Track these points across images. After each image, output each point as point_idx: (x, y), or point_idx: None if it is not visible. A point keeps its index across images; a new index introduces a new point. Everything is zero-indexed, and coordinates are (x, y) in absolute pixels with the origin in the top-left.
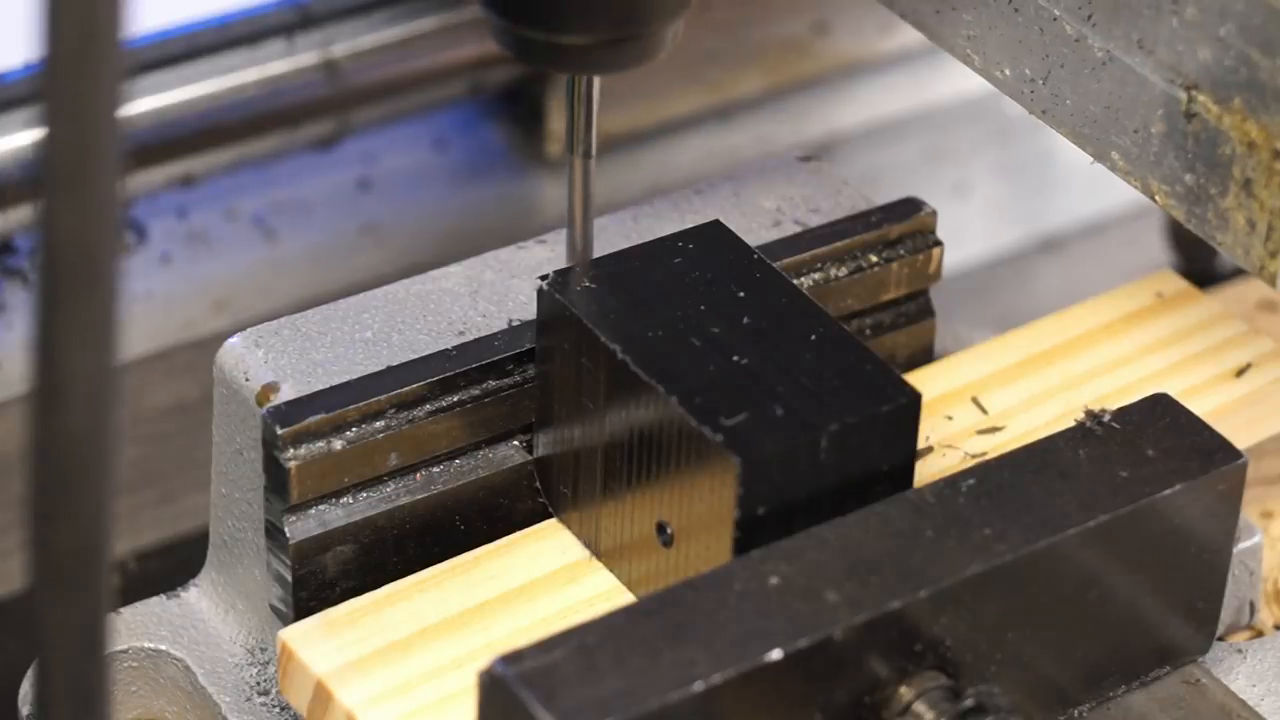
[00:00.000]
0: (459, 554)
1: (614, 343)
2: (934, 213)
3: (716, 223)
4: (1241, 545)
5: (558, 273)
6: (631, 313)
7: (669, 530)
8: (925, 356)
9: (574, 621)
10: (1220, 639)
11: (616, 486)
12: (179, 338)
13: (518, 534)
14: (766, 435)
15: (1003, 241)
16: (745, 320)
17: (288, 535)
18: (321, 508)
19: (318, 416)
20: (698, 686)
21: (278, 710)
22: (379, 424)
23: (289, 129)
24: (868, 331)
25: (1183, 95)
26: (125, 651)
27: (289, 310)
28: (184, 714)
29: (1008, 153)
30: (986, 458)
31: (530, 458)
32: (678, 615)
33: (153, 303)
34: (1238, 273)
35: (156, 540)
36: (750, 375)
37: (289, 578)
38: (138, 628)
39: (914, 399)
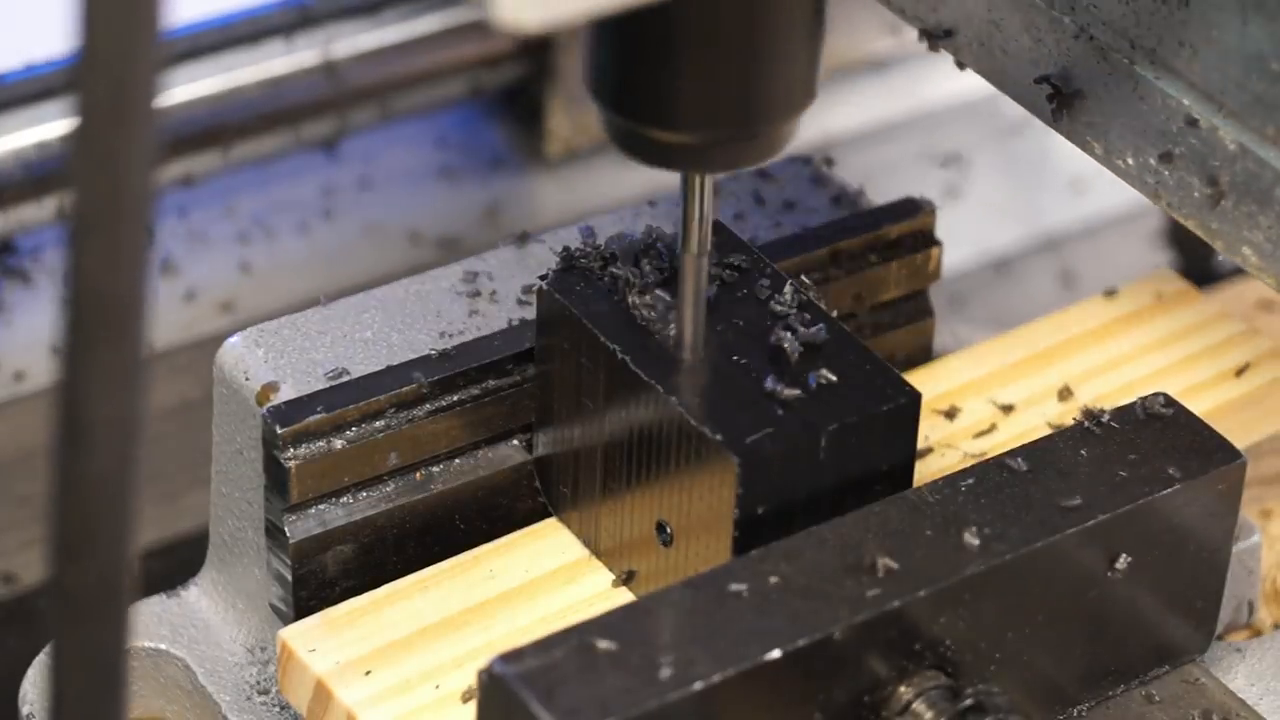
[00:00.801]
0: (459, 554)
1: (614, 343)
2: (933, 212)
3: (716, 222)
4: (1240, 544)
5: (557, 272)
6: (631, 312)
7: (669, 530)
8: (924, 356)
9: (574, 621)
10: (1219, 638)
11: (616, 486)
12: (179, 337)
13: (517, 533)
14: (766, 435)
15: (1001, 241)
16: (745, 319)
17: (288, 534)
18: (321, 507)
19: (318, 416)
20: (698, 686)
21: (278, 709)
22: (379, 423)
23: (289, 129)
24: (867, 331)
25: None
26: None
27: (289, 310)
28: (184, 713)
29: (1006, 153)
30: (986, 458)
31: (530, 457)
32: (678, 615)
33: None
34: (1237, 272)
35: (156, 539)
36: (750, 375)
37: (289, 577)
38: (138, 627)
39: (914, 399)
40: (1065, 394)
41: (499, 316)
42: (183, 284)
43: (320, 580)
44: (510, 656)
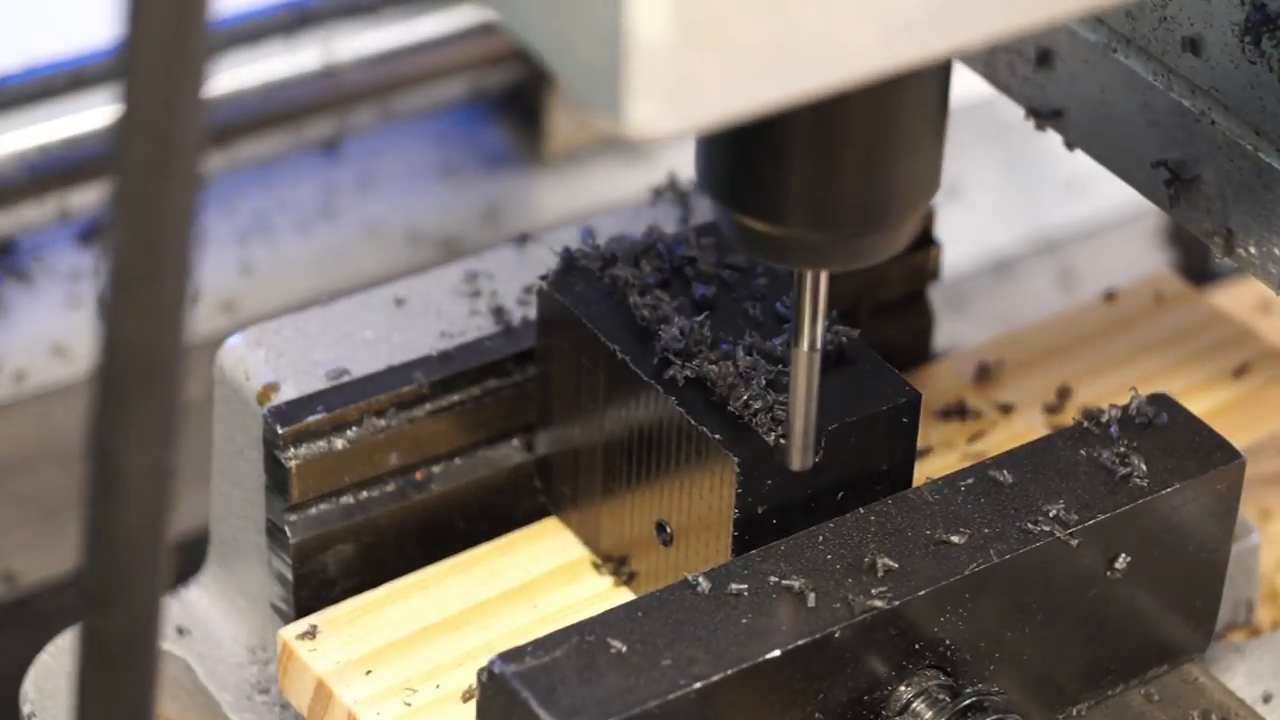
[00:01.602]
0: (459, 553)
1: (614, 343)
2: (932, 213)
3: (717, 222)
4: (1240, 544)
5: (557, 272)
6: (631, 312)
7: (669, 530)
8: (924, 356)
9: (574, 621)
10: (1218, 638)
11: (616, 486)
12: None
13: (518, 533)
14: (766, 435)
15: (1001, 241)
16: (746, 320)
17: (288, 534)
18: (322, 507)
19: (318, 416)
20: (698, 686)
21: (278, 709)
22: (379, 423)
23: (289, 129)
24: (867, 331)
25: None
26: None
27: (289, 310)
28: (185, 712)
29: (1006, 153)
30: (986, 458)
31: (530, 457)
32: (678, 614)
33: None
34: (1236, 273)
35: None
36: (750, 374)
37: (290, 576)
38: None
39: (914, 399)
40: (1065, 394)
41: (499, 316)
42: None
43: (321, 580)
44: (510, 656)
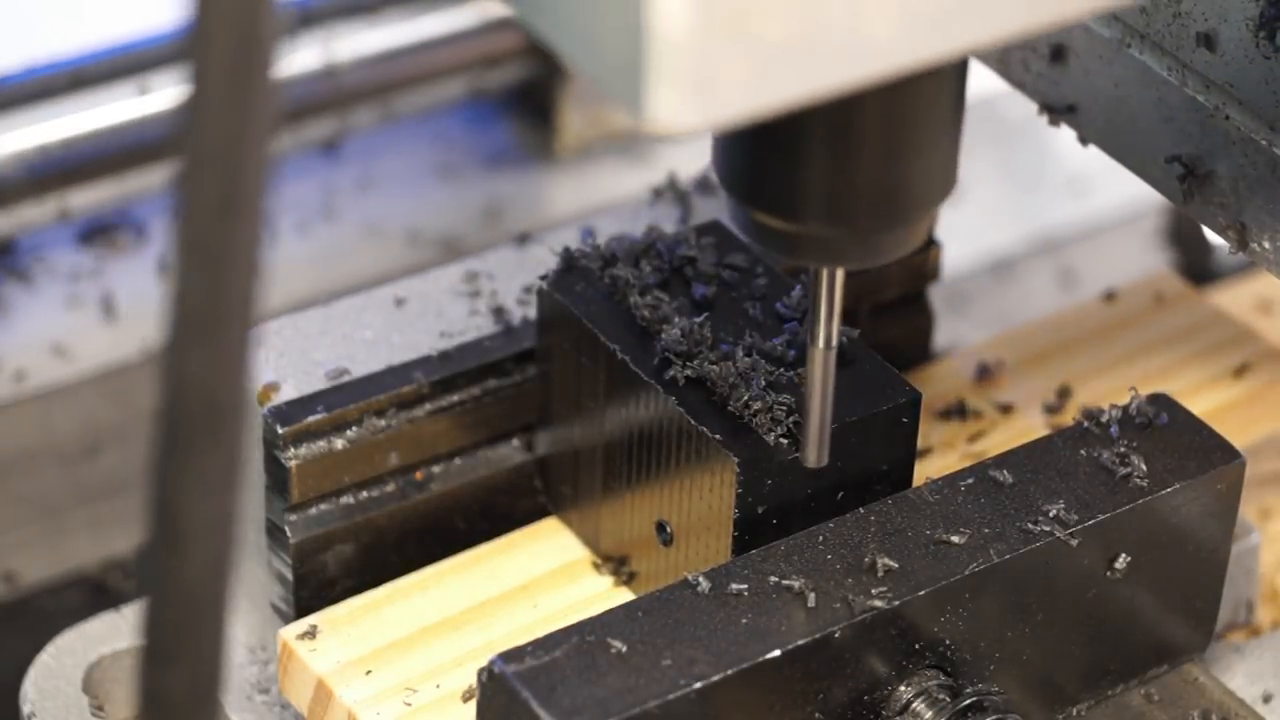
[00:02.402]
0: (459, 553)
1: (614, 343)
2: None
3: (717, 222)
4: (1240, 544)
5: (557, 272)
6: (631, 312)
7: (669, 529)
8: (923, 356)
9: (574, 621)
10: (1218, 638)
11: (616, 486)
12: None
13: (518, 533)
14: (766, 435)
15: (1001, 241)
16: (745, 320)
17: (288, 534)
18: (322, 507)
19: (318, 416)
20: (698, 686)
21: (278, 709)
22: (379, 423)
23: (289, 129)
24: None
25: None
26: (126, 651)
27: (289, 310)
28: None
29: (1005, 153)
30: (986, 458)
31: (530, 457)
32: (678, 614)
33: (153, 302)
34: (1236, 273)
35: None
36: (750, 374)
37: (289, 576)
38: (137, 626)
39: (914, 399)
40: (1065, 394)
41: (499, 316)
42: None
43: (320, 580)
44: (510, 655)
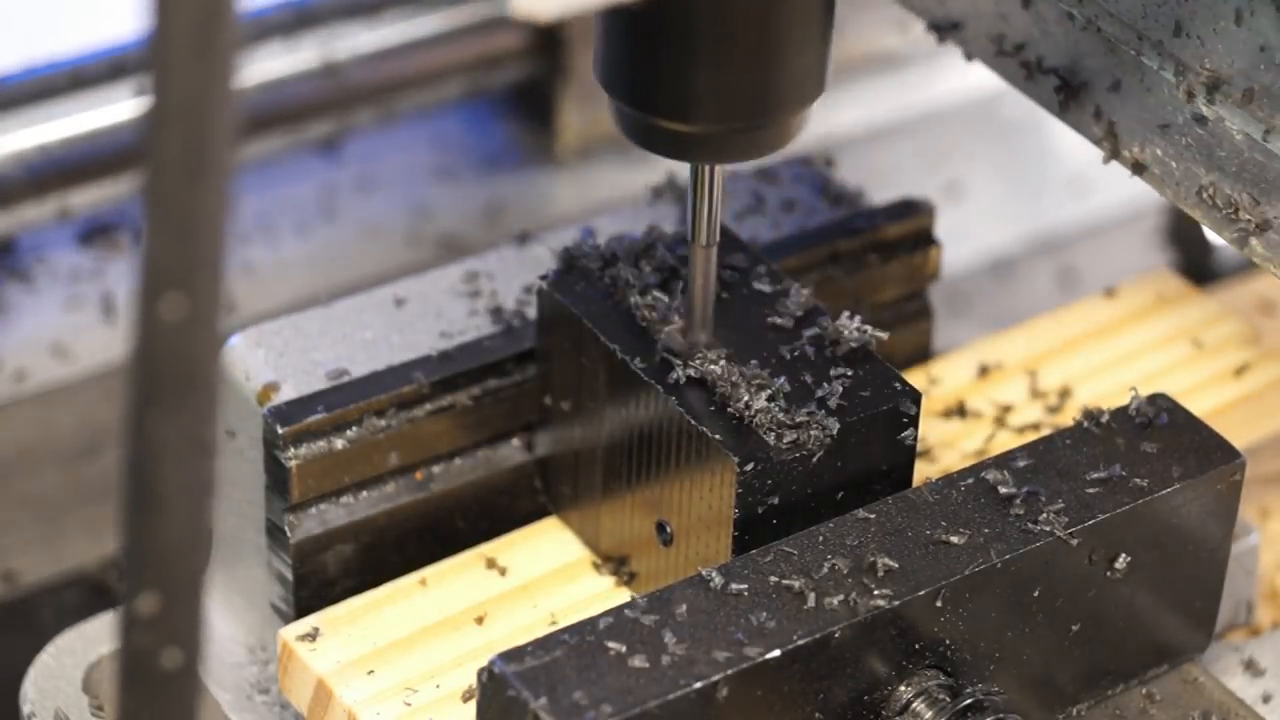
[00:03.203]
0: (459, 553)
1: (614, 343)
2: (932, 213)
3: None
4: (1239, 544)
5: (557, 272)
6: (631, 312)
7: (669, 530)
8: (923, 356)
9: (574, 621)
10: (1218, 638)
11: (616, 486)
12: None
13: (517, 533)
14: (766, 435)
15: (1001, 241)
16: (746, 319)
17: (288, 534)
18: (322, 507)
19: (318, 416)
20: (698, 686)
21: (278, 709)
22: (379, 423)
23: (289, 129)
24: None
25: None
26: None
27: (289, 310)
28: None
29: (1005, 153)
30: (986, 458)
31: (530, 457)
32: (677, 615)
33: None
34: (1236, 273)
35: None
36: (750, 374)
37: (290, 576)
38: None
39: (914, 399)
40: (1065, 394)
41: (499, 316)
42: None
43: (321, 580)
44: (510, 655)
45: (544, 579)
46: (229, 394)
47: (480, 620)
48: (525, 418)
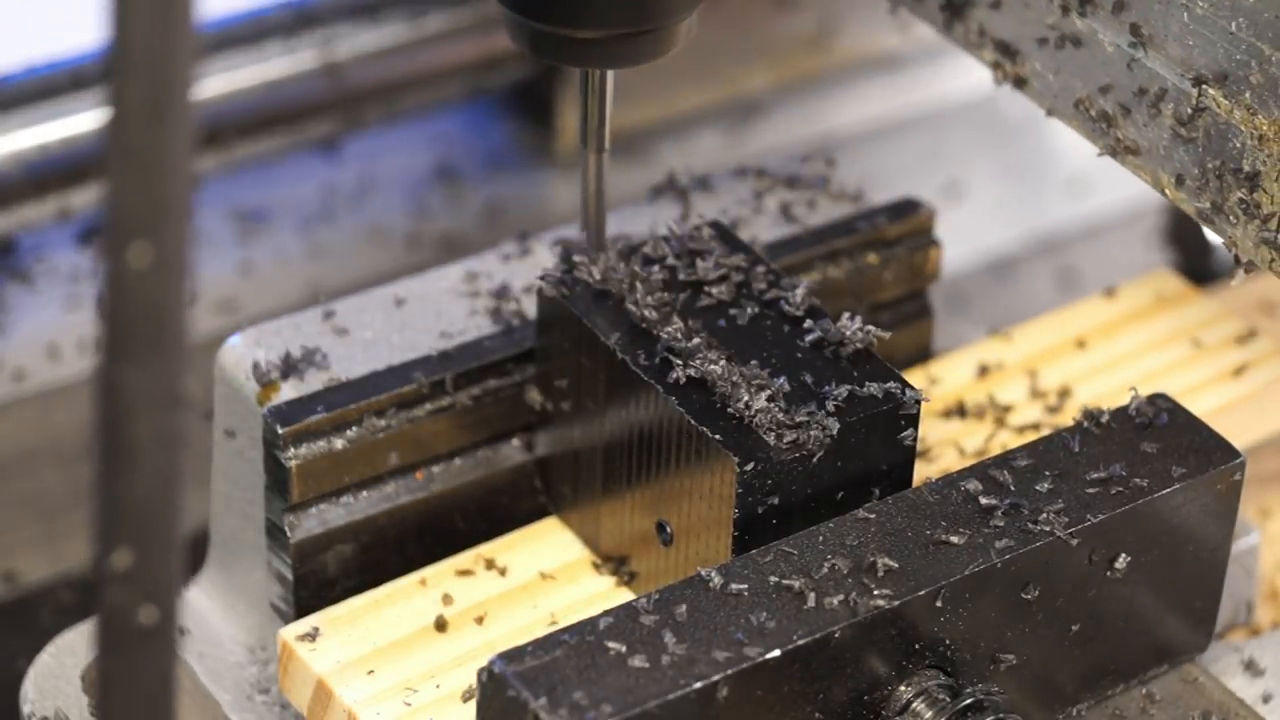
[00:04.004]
0: (459, 553)
1: (614, 343)
2: (932, 212)
3: (717, 222)
4: (1239, 544)
5: (557, 272)
6: (631, 312)
7: (669, 530)
8: (923, 356)
9: (574, 621)
10: (1218, 638)
11: (616, 486)
12: None
13: (517, 533)
14: (766, 435)
15: (1001, 241)
16: (746, 319)
17: (288, 534)
18: (322, 507)
19: (318, 416)
20: (698, 686)
21: (278, 709)
22: (379, 423)
23: (289, 129)
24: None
25: (1192, 90)
26: None
27: (289, 310)
28: (184, 712)
29: (1005, 153)
30: (986, 457)
31: (530, 457)
32: (678, 615)
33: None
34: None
35: None
36: (750, 374)
37: (289, 576)
38: None
39: (914, 399)
40: (1065, 394)
41: (499, 316)
42: None
43: (321, 580)
44: (510, 655)
45: (544, 579)
46: (229, 394)
47: (480, 620)
48: (525, 418)
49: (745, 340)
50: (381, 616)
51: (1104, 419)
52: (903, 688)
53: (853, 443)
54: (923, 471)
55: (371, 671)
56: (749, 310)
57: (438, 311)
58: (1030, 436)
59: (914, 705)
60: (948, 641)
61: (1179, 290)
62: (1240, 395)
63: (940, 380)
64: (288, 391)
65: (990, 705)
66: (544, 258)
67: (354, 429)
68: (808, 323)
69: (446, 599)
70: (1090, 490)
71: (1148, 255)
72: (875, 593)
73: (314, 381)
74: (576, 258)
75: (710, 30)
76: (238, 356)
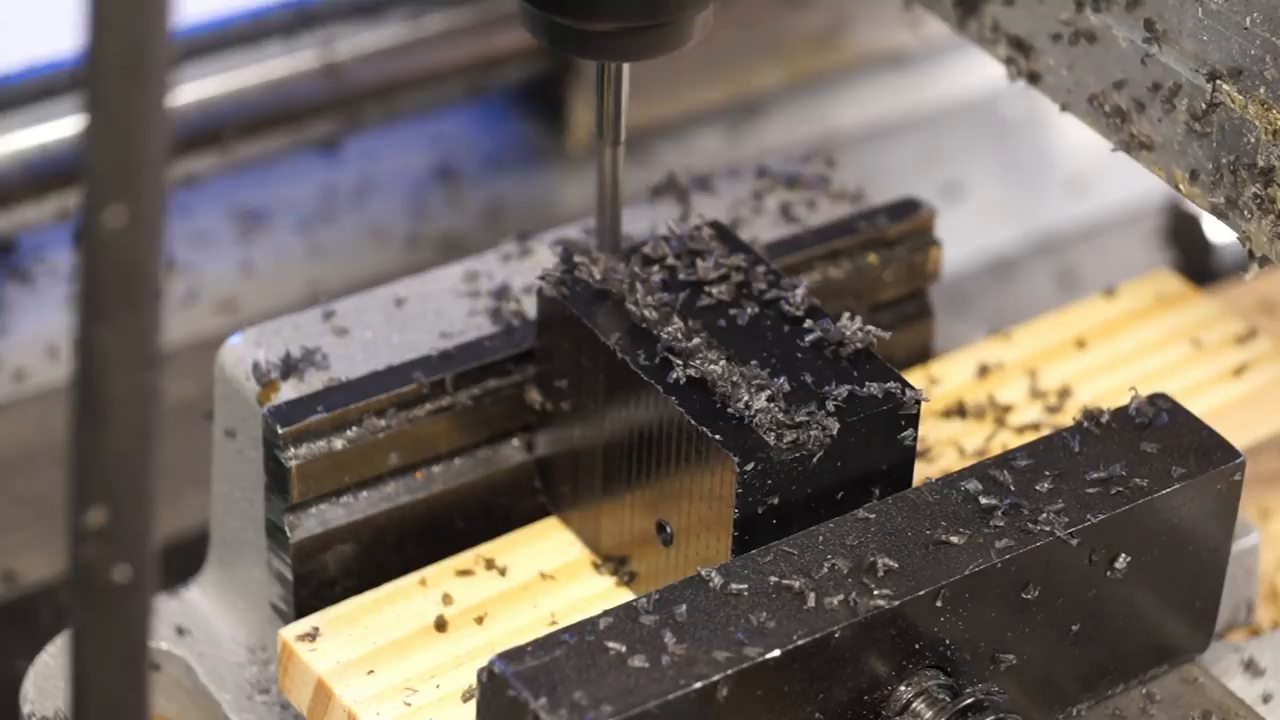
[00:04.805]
0: (459, 553)
1: (614, 343)
2: (933, 212)
3: (717, 222)
4: (1239, 544)
5: (557, 272)
6: (631, 312)
7: (669, 530)
8: (923, 356)
9: (574, 621)
10: (1218, 638)
11: (616, 486)
12: (180, 337)
13: (517, 533)
14: (766, 435)
15: (1001, 241)
16: (746, 319)
17: (288, 534)
18: (322, 507)
19: (318, 416)
20: (698, 686)
21: (278, 709)
22: (379, 423)
23: (289, 129)
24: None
25: (1207, 85)
26: None
27: (289, 310)
28: (185, 712)
29: (1005, 153)
30: (986, 457)
31: (530, 457)
32: (677, 614)
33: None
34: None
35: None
36: (750, 374)
37: (290, 576)
38: None
39: (914, 399)
40: (1065, 394)
41: (499, 316)
42: (183, 284)
43: (321, 579)
44: (510, 656)
45: (544, 579)
46: (229, 394)
47: (480, 620)
48: (525, 418)
49: (745, 340)
50: (381, 616)
51: (1104, 419)
52: (903, 688)
53: (853, 443)
54: (923, 471)
55: (371, 671)
56: (749, 310)
57: (438, 311)
58: (1030, 436)
59: (914, 705)
60: (948, 641)
61: (1179, 290)
62: (1240, 395)
63: (940, 380)
64: (288, 391)
65: (990, 705)
66: (544, 258)
67: (354, 429)
68: (808, 323)
69: (446, 599)
70: (1090, 490)
71: (1148, 255)
72: (875, 593)
73: (314, 381)
74: (576, 258)
75: (721, 27)
76: (238, 356)
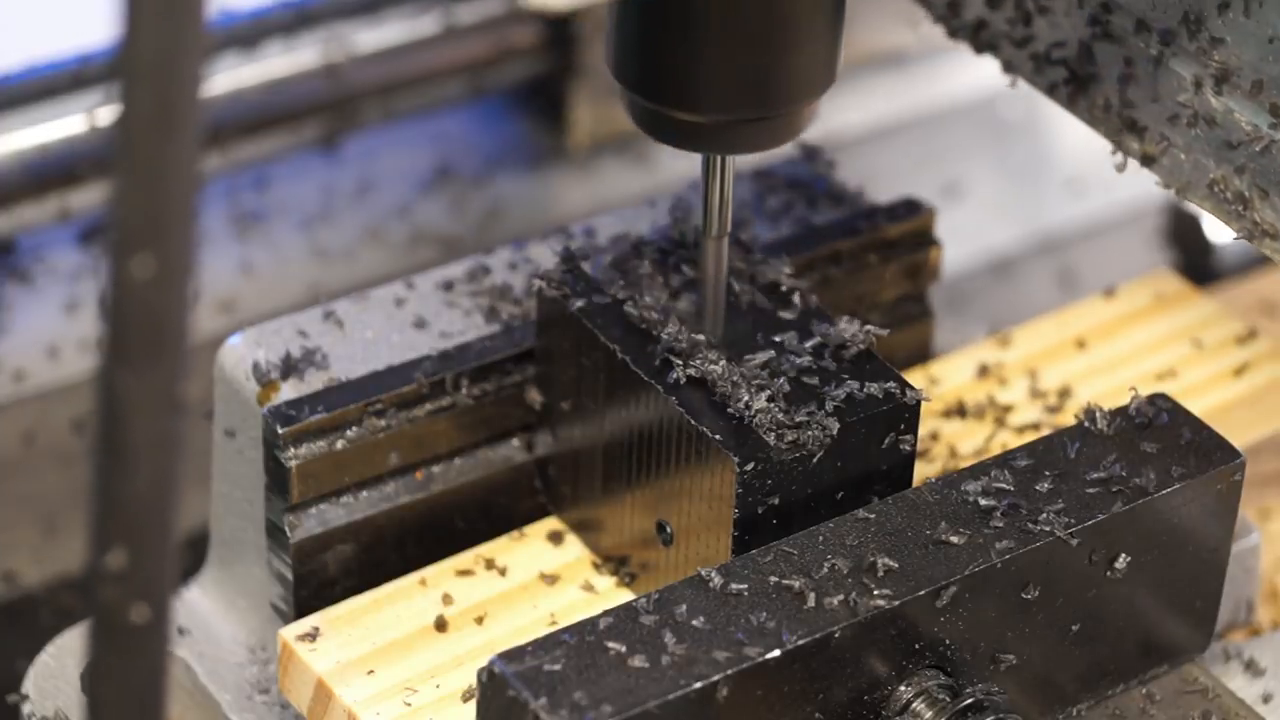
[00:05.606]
0: (459, 553)
1: (614, 343)
2: (933, 213)
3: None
4: (1239, 544)
5: (557, 272)
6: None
7: (669, 530)
8: (923, 356)
9: (574, 621)
10: (1218, 638)
11: (616, 486)
12: None
13: (517, 533)
14: (766, 434)
15: (1001, 241)
16: (745, 319)
17: (288, 534)
18: (322, 506)
19: (318, 416)
20: (698, 686)
21: (278, 709)
22: (379, 423)
23: (289, 129)
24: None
25: None
26: None
27: (289, 310)
28: (185, 712)
29: (1005, 153)
30: (986, 457)
31: (530, 457)
32: (677, 614)
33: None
34: (1236, 272)
35: None
36: (750, 374)
37: (290, 576)
38: None
39: (914, 399)
40: (1065, 394)
41: (499, 316)
42: None
43: (321, 579)
44: (510, 655)
45: (544, 579)
46: (229, 394)
47: (480, 620)
48: (525, 418)
49: (745, 340)
50: (381, 616)
51: (1104, 419)
52: (903, 688)
53: (853, 443)
54: (923, 471)
55: (371, 671)
56: (750, 310)
57: (438, 311)
58: (1030, 436)
59: (914, 705)
60: (948, 641)
61: (1179, 290)
62: (1240, 395)
63: (940, 380)
64: (288, 391)
65: (990, 705)
66: (544, 258)
67: (354, 429)
68: (808, 323)
69: (446, 599)
70: (1090, 490)
71: (1148, 255)
72: (875, 593)
73: (314, 381)
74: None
75: None
76: (238, 356)
